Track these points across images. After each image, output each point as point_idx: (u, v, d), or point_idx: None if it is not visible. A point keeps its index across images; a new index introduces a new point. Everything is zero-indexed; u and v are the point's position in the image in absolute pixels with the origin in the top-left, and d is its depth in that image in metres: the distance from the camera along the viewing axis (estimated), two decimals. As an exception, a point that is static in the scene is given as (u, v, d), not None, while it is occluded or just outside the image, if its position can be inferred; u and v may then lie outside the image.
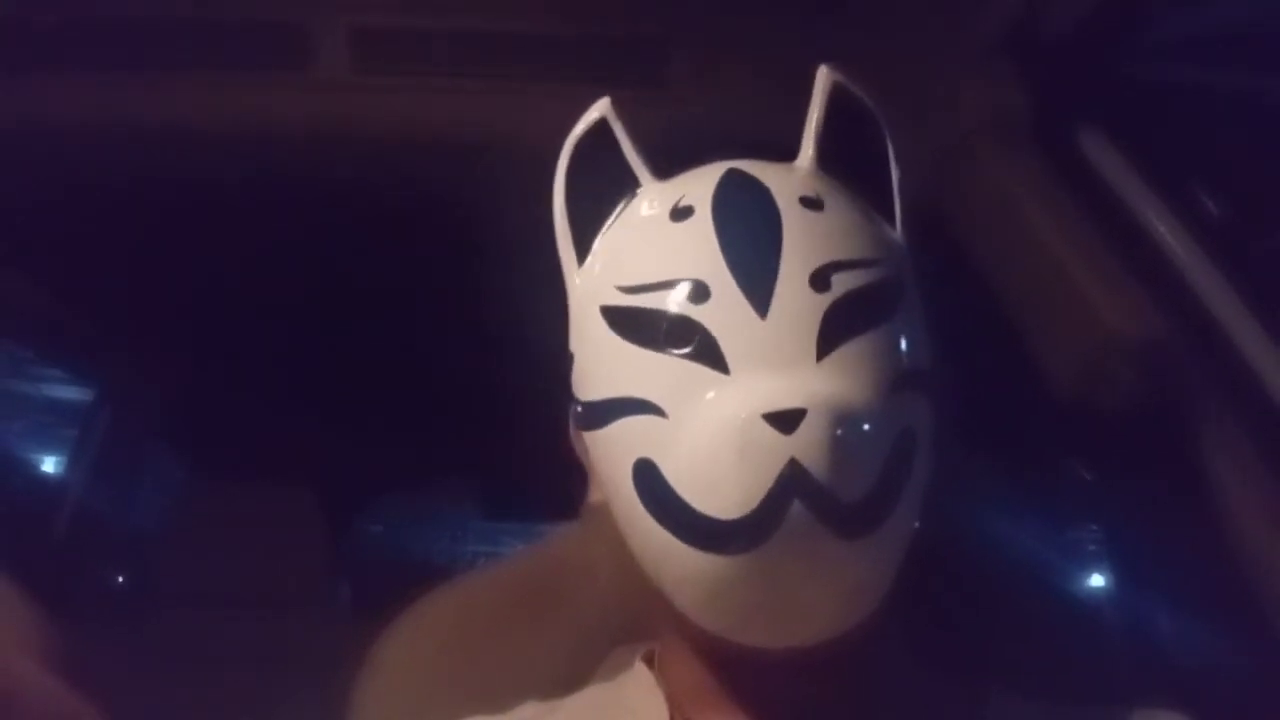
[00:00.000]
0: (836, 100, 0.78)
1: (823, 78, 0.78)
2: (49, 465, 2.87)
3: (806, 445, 0.66)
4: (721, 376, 0.69)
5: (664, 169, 0.79)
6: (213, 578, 2.00)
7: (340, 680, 1.09)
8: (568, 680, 0.92)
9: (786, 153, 0.79)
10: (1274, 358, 1.03)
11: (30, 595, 0.81)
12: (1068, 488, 1.45)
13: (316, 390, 2.17)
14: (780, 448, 0.66)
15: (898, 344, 0.72)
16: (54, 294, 2.03)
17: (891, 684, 0.78)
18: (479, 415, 2.11)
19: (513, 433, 1.88)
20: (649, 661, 0.83)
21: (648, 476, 0.70)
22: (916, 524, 0.73)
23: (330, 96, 1.38)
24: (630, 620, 0.91)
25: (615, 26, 1.36)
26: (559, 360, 0.80)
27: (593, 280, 0.77)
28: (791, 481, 0.66)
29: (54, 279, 1.96)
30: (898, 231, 0.78)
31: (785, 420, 0.66)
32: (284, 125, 1.39)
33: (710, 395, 0.69)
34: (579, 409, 0.77)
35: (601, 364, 0.75)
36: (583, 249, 0.78)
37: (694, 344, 0.70)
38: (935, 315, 0.77)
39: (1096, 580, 1.61)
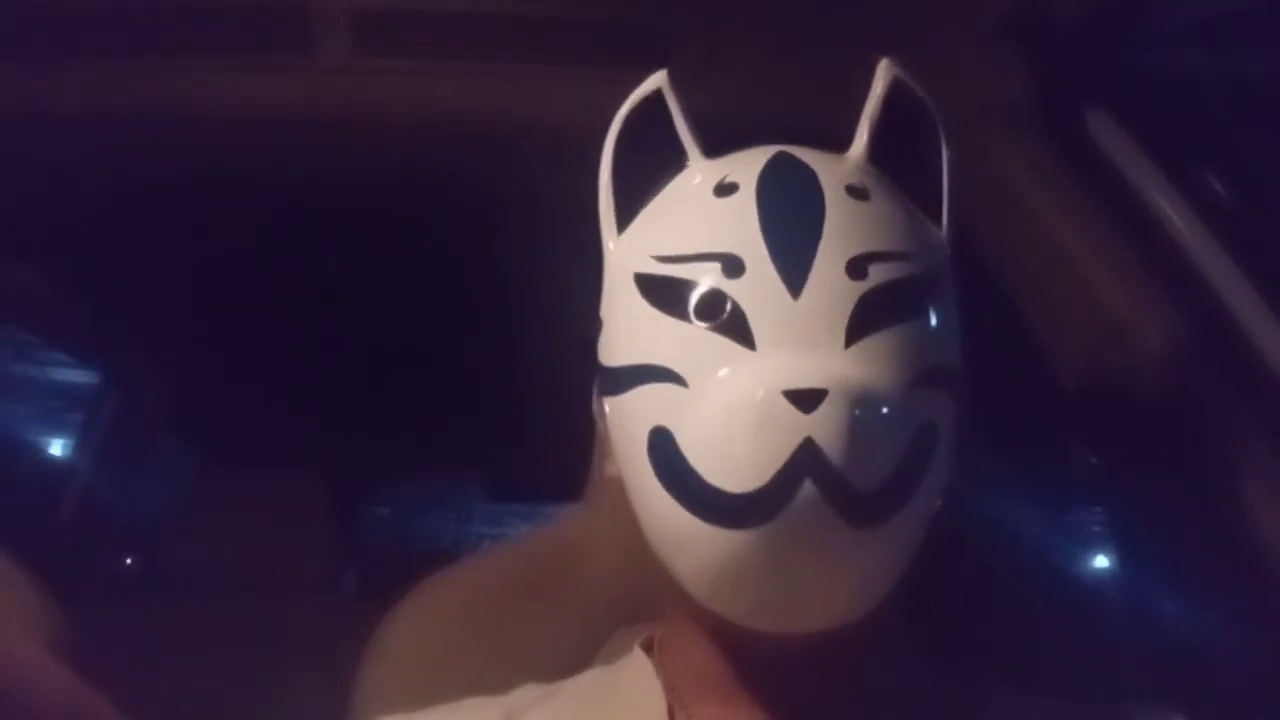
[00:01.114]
0: (894, 94, 0.77)
1: (883, 72, 0.78)
2: (55, 450, 2.87)
3: (824, 426, 0.66)
4: (747, 352, 0.69)
5: (715, 147, 0.78)
6: (218, 563, 2.00)
7: (346, 665, 1.09)
8: (571, 662, 0.92)
9: (793, 137, 0.78)
10: (1283, 345, 1.03)
11: (36, 580, 0.81)
12: (1076, 480, 1.45)
13: (322, 374, 2.17)
14: (797, 425, 0.66)
15: (928, 339, 0.72)
16: (57, 282, 2.03)
17: (895, 678, 0.78)
18: (484, 397, 2.11)
19: (519, 414, 1.88)
20: (648, 648, 0.82)
21: (662, 445, 0.70)
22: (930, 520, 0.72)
23: (332, 81, 1.37)
24: (635, 602, 0.92)
25: (620, 10, 1.35)
26: (564, 342, 0.80)
27: (629, 247, 0.77)
28: (805, 461, 0.66)
29: (57, 267, 1.96)
30: (943, 229, 0.77)
31: (805, 399, 0.66)
32: (284, 111, 1.39)
33: (732, 368, 0.69)
34: (602, 375, 0.77)
35: (628, 330, 0.75)
36: (623, 219, 0.78)
37: (723, 317, 0.70)
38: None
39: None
